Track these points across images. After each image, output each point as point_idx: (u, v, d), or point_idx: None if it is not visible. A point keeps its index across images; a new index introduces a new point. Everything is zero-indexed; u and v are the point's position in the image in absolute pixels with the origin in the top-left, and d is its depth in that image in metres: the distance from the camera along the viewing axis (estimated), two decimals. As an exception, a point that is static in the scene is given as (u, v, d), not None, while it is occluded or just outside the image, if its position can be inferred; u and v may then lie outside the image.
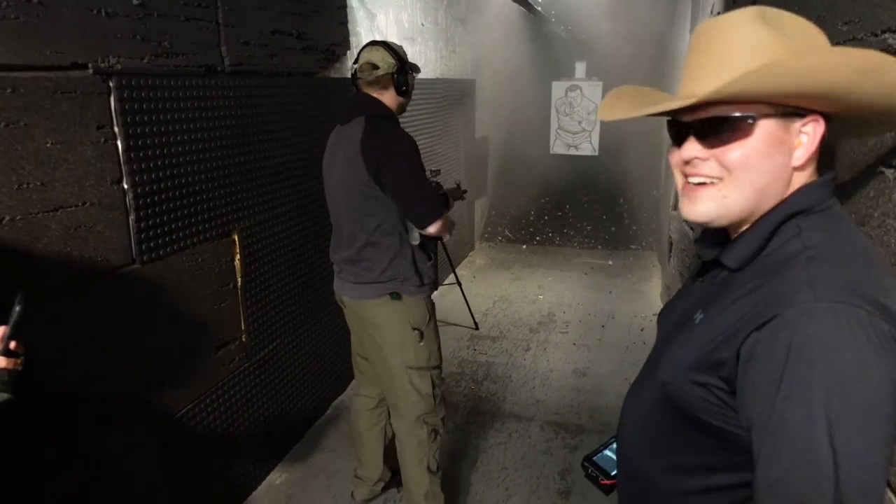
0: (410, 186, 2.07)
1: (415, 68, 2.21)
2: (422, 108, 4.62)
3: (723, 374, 0.81)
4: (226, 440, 2.48)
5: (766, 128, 0.82)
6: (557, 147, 7.40)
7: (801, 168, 0.85)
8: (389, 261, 2.14)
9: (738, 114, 0.82)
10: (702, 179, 0.87)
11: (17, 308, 1.10)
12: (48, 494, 1.70)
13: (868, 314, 0.72)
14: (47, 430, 1.67)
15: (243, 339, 2.54)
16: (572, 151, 7.38)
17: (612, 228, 6.97)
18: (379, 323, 2.21)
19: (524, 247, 7.00)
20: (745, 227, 0.89)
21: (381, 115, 2.14)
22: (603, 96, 6.52)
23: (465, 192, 2.77)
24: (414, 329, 2.21)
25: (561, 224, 7.16)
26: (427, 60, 4.74)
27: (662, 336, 1.04)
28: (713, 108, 0.83)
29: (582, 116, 7.25)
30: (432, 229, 2.09)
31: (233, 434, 2.51)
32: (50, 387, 1.66)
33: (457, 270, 4.72)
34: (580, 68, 7.11)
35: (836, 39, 1.27)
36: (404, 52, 2.20)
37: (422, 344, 2.22)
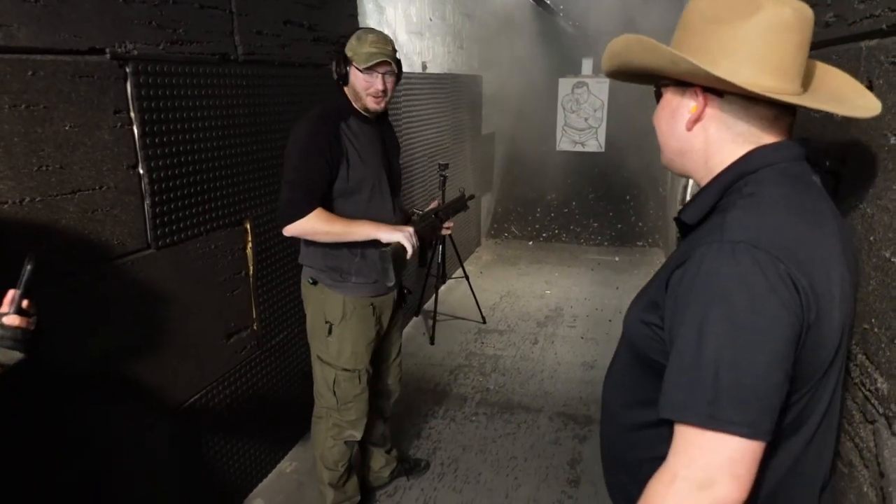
0: (285, 181, 1.99)
1: (349, 59, 2.00)
2: (429, 104, 4.63)
3: (658, 313, 0.91)
4: (237, 427, 2.49)
5: (667, 96, 0.99)
6: (564, 144, 7.40)
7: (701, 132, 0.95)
8: (305, 246, 2.14)
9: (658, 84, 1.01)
10: None
11: (28, 267, 1.13)
12: (60, 476, 1.71)
13: (769, 256, 0.79)
14: (60, 411, 1.69)
15: (255, 328, 2.55)
16: (578, 148, 7.38)
17: (619, 225, 6.97)
18: (305, 302, 2.23)
19: (530, 243, 7.01)
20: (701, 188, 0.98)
21: (325, 106, 2.06)
22: (609, 95, 6.53)
23: (470, 197, 2.61)
24: (326, 321, 2.15)
25: (567, 221, 7.16)
26: (435, 55, 4.75)
27: None
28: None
29: (588, 113, 7.24)
30: (285, 231, 1.98)
31: (244, 421, 2.53)
32: (63, 366, 1.68)
33: (463, 266, 4.73)
34: (587, 65, 7.11)
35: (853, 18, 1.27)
36: (355, 38, 2.00)
37: (329, 338, 2.15)
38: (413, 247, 2.01)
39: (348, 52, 2.01)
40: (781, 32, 0.86)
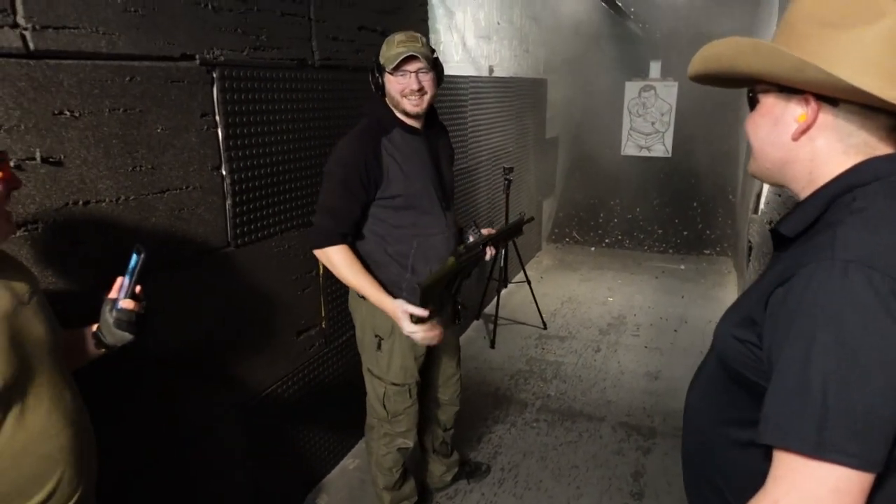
0: (319, 203, 1.97)
1: (380, 65, 1.94)
2: (495, 107, 4.63)
3: (756, 330, 0.86)
4: (304, 422, 2.56)
5: (767, 102, 0.94)
6: (629, 148, 7.27)
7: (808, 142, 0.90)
8: (367, 263, 2.04)
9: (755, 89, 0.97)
10: None
11: (142, 255, 1.22)
12: (141, 455, 1.80)
13: (882, 275, 0.75)
14: (142, 395, 1.78)
15: (323, 326, 2.61)
16: (644, 153, 7.23)
17: (685, 232, 6.78)
18: (354, 315, 2.20)
19: (592, 249, 6.90)
20: (803, 199, 0.94)
21: (368, 119, 2.00)
22: (678, 99, 6.35)
23: (530, 219, 2.49)
24: (375, 335, 2.12)
25: (631, 227, 7.02)
26: (502, 59, 4.75)
27: None
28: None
29: (655, 117, 7.09)
30: (315, 252, 1.98)
31: (310, 417, 2.59)
32: (152, 354, 1.77)
33: (525, 270, 4.70)
34: (655, 68, 6.97)
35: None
36: (385, 44, 1.95)
37: (380, 352, 2.13)
38: (415, 329, 1.91)
39: (381, 60, 1.94)
40: None
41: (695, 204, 6.87)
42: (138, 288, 1.26)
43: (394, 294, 2.00)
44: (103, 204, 1.59)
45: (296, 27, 2.24)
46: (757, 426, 0.87)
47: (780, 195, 3.49)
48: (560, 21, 6.17)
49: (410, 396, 2.20)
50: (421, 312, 1.87)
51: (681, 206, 6.90)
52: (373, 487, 2.45)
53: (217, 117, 1.93)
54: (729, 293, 5.28)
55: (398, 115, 1.99)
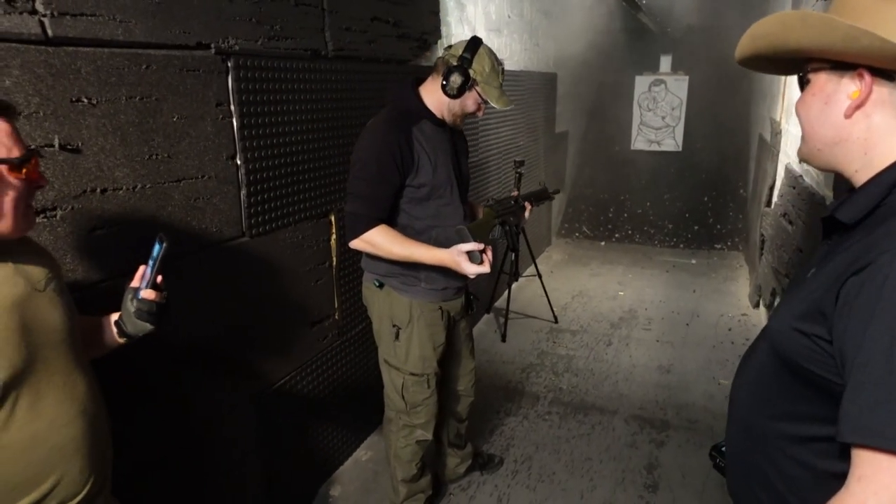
0: (351, 191, 1.94)
1: (473, 79, 1.94)
2: (505, 100, 4.61)
3: (825, 323, 0.83)
4: (317, 413, 2.56)
5: (819, 81, 0.91)
6: (639, 143, 7.23)
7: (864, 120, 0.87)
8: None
9: (807, 70, 0.94)
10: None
11: (164, 245, 1.20)
12: (155, 446, 1.81)
13: None
14: (157, 385, 1.79)
15: (336, 317, 2.61)
16: (654, 147, 7.19)
17: (696, 227, 6.74)
18: (369, 306, 2.21)
19: (602, 243, 6.88)
20: (863, 183, 0.90)
21: (397, 108, 1.99)
22: (688, 92, 6.29)
23: (556, 191, 2.62)
24: (393, 325, 2.12)
25: (641, 221, 6.99)
26: (512, 53, 4.73)
27: (784, 298, 1.06)
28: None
29: (666, 112, 7.05)
30: (350, 244, 1.95)
31: (323, 408, 2.60)
32: (165, 345, 1.77)
33: (536, 264, 4.69)
34: (665, 62, 6.92)
35: None
36: (489, 63, 1.97)
37: (398, 342, 2.13)
38: (483, 261, 1.93)
39: (476, 75, 1.94)
40: None
41: (705, 198, 6.83)
42: (159, 278, 1.24)
43: (412, 283, 2.07)
44: (120, 192, 1.59)
45: (309, 17, 2.24)
46: (822, 422, 0.85)
47: (794, 187, 3.46)
48: (570, 15, 6.14)
49: (429, 387, 2.20)
50: (477, 246, 1.91)
51: (691, 200, 6.86)
52: (389, 480, 2.45)
53: (232, 107, 1.93)
54: (741, 287, 5.24)
55: (429, 104, 2.02)
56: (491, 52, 2.00)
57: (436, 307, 2.14)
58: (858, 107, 0.86)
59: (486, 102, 2.01)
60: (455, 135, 2.16)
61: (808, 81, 0.93)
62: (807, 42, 0.87)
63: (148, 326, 1.24)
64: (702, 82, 6.74)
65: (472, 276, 1.96)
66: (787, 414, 0.93)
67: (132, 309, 1.22)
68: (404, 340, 2.13)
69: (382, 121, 1.97)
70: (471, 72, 1.94)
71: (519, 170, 4.32)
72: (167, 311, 1.26)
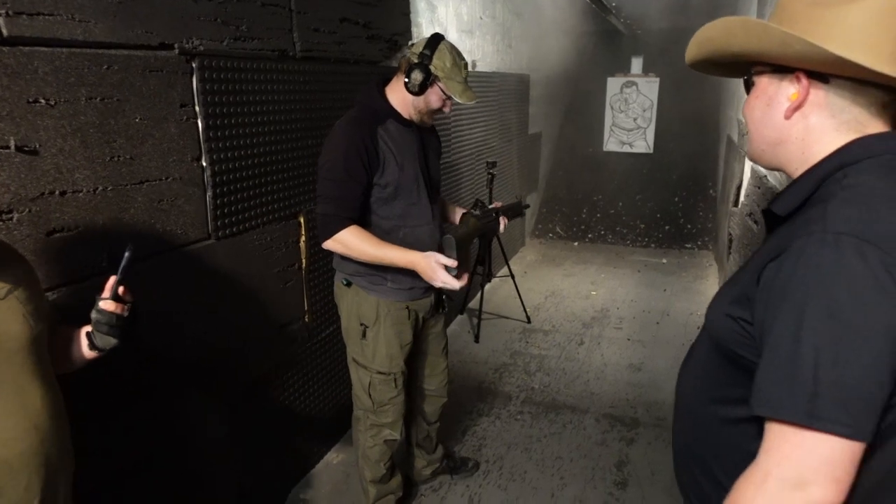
0: (321, 193, 1.95)
1: (434, 75, 1.94)
2: (478, 102, 4.61)
3: (749, 307, 0.87)
4: (288, 417, 2.55)
5: (761, 84, 0.96)
6: (611, 144, 7.32)
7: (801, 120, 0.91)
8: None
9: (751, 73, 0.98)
10: None
11: (127, 254, 1.16)
12: (123, 453, 1.78)
13: (875, 249, 0.75)
14: (128, 391, 1.76)
15: (306, 320, 2.60)
16: (626, 149, 7.29)
17: (667, 227, 6.84)
18: (339, 304, 2.22)
19: (576, 244, 6.94)
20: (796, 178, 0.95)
21: (362, 108, 2.00)
22: (659, 95, 6.41)
23: (526, 206, 2.68)
24: (361, 324, 2.13)
25: (613, 222, 7.07)
26: (484, 54, 4.75)
27: None
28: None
29: (637, 113, 7.15)
30: (323, 245, 1.96)
31: (294, 411, 2.58)
32: (130, 350, 1.74)
33: (509, 265, 4.71)
34: (636, 64, 7.01)
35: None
36: (450, 59, 1.96)
37: (365, 341, 2.14)
38: (448, 276, 1.94)
39: (437, 70, 1.94)
40: (893, 16, 0.82)
41: (676, 199, 6.94)
42: (121, 289, 1.19)
43: (379, 283, 2.08)
44: (80, 194, 1.56)
45: (277, 18, 2.22)
46: (745, 403, 0.87)
47: (759, 187, 3.53)
48: (543, 16, 6.18)
49: (396, 386, 2.20)
50: (453, 263, 1.93)
51: (662, 201, 6.96)
52: (359, 480, 2.44)
53: (197, 108, 1.90)
54: (710, 286, 5.33)
55: (395, 103, 2.02)
56: (453, 48, 2.00)
57: (402, 306, 2.14)
58: (797, 108, 0.90)
59: (450, 98, 2.01)
60: (425, 134, 2.15)
61: (752, 84, 0.97)
62: (748, 47, 0.91)
63: (112, 340, 1.19)
64: (672, 84, 6.85)
65: (437, 286, 1.98)
66: (723, 398, 0.96)
67: (92, 320, 1.18)
68: (371, 339, 2.14)
69: (347, 121, 1.98)
70: (432, 68, 1.95)
71: (491, 171, 4.35)
72: (132, 324, 1.21)
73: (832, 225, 0.79)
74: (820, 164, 0.89)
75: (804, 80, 0.88)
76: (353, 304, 2.13)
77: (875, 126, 0.88)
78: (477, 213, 2.16)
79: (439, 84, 1.97)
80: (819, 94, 0.89)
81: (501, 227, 2.28)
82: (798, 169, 0.93)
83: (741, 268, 0.99)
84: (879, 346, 0.74)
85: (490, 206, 2.24)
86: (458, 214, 2.33)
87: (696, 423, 1.03)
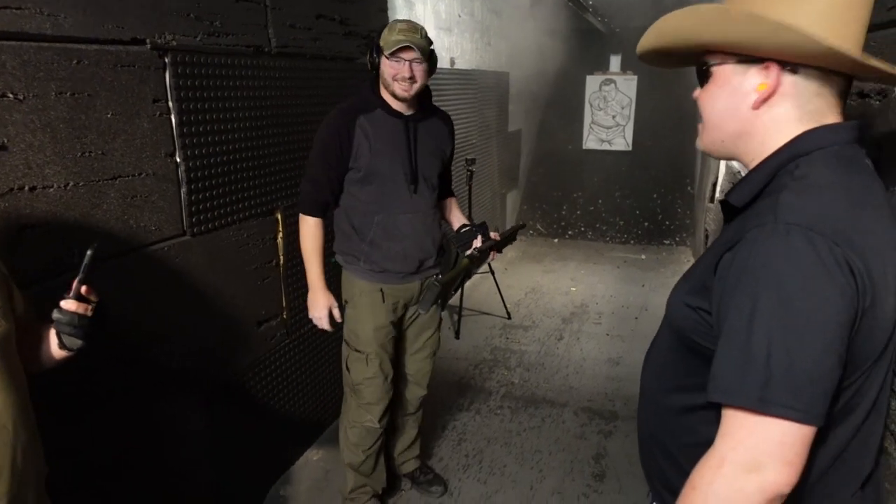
0: (305, 171, 2.17)
1: (380, 47, 2.02)
2: (457, 100, 4.65)
3: (707, 297, 0.89)
4: (267, 414, 2.54)
5: (720, 74, 0.94)
6: (590, 142, 7.37)
7: (767, 111, 0.91)
8: (334, 229, 2.24)
9: (703, 62, 0.96)
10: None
11: (89, 253, 1.12)
12: (100, 451, 1.77)
13: (824, 239, 0.77)
14: (100, 390, 1.75)
15: (284, 316, 2.59)
16: (605, 147, 7.34)
17: (645, 223, 6.91)
18: None
19: (556, 241, 6.99)
20: (750, 170, 0.95)
21: (351, 99, 2.14)
22: (637, 93, 6.46)
23: (522, 225, 2.81)
24: (344, 299, 2.28)
25: (593, 219, 7.13)
26: (463, 51, 4.77)
27: None
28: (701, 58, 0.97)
29: (616, 111, 7.20)
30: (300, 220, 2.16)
31: (273, 409, 2.57)
32: (105, 348, 1.73)
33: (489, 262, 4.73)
34: (615, 62, 7.07)
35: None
36: (391, 28, 2.01)
37: (346, 315, 2.28)
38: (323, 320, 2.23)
39: (381, 43, 2.03)
40: (854, 3, 0.83)
41: (655, 196, 7.01)
42: (84, 288, 1.15)
43: (354, 262, 2.19)
44: (51, 190, 1.55)
45: (251, 13, 2.21)
46: (703, 390, 0.89)
47: (733, 183, 3.59)
48: (521, 14, 6.21)
49: (368, 365, 2.23)
50: (336, 318, 2.25)
51: (641, 198, 7.03)
52: (339, 479, 2.44)
53: (170, 103, 1.89)
54: (688, 281, 5.40)
55: (386, 96, 2.09)
56: (396, 20, 2.05)
57: (376, 288, 2.19)
58: (765, 99, 0.89)
59: (394, 59, 1.98)
60: (424, 128, 2.18)
61: (710, 74, 0.96)
62: (723, 37, 0.88)
63: (77, 341, 1.16)
64: (650, 82, 6.91)
65: (311, 315, 2.26)
66: (681, 386, 0.98)
67: (54, 321, 1.14)
68: (349, 315, 2.26)
69: (333, 111, 2.12)
70: (381, 43, 2.02)
71: (470, 168, 4.37)
72: (98, 324, 1.17)
73: (783, 216, 0.80)
74: (773, 156, 0.90)
75: (775, 70, 0.87)
76: (343, 280, 2.26)
77: (831, 117, 0.89)
78: (476, 254, 2.13)
79: (385, 54, 2.01)
80: (787, 85, 0.88)
81: (490, 258, 2.31)
82: (754, 160, 0.94)
83: (699, 259, 1.00)
84: (829, 334, 0.76)
85: (489, 241, 2.20)
86: (456, 219, 2.38)
87: (657, 411, 1.05)
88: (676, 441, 1.00)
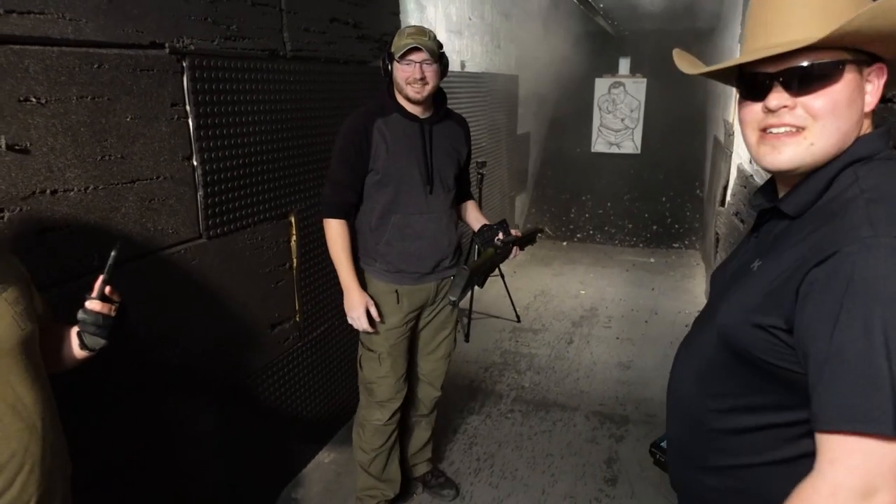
0: (327, 174, 2.18)
1: (391, 53, 2.06)
2: (467, 102, 4.65)
3: (783, 314, 0.84)
4: (279, 416, 2.54)
5: (850, 74, 0.86)
6: (599, 145, 7.36)
7: (867, 116, 0.89)
8: (357, 233, 2.25)
9: (828, 60, 0.85)
10: (787, 129, 0.89)
11: (113, 253, 1.15)
12: (115, 452, 1.78)
13: None
14: (117, 391, 1.75)
15: (297, 319, 2.60)
16: (614, 149, 7.33)
17: (654, 227, 6.89)
18: None
19: (564, 244, 6.98)
20: (800, 177, 0.92)
21: (369, 103, 2.16)
22: (646, 96, 6.42)
23: (541, 230, 2.75)
24: None
25: (602, 222, 7.12)
26: (473, 54, 4.78)
27: (717, 290, 1.07)
28: (800, 57, 0.85)
29: (625, 114, 7.19)
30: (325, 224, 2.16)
31: (285, 411, 2.58)
32: (121, 349, 1.74)
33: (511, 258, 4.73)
34: (624, 64, 7.06)
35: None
36: (400, 34, 2.04)
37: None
38: (361, 321, 2.17)
39: (392, 49, 2.06)
40: None
41: (663, 199, 6.99)
42: (108, 289, 1.18)
43: (371, 263, 2.21)
44: (72, 193, 1.56)
45: (267, 17, 2.23)
46: (772, 410, 0.89)
47: (745, 187, 3.57)
48: (531, 17, 6.22)
49: (380, 365, 2.25)
50: (375, 317, 2.19)
51: (650, 201, 7.02)
52: (351, 482, 2.44)
53: (188, 107, 1.90)
54: (698, 285, 5.38)
55: (401, 101, 2.11)
56: (408, 26, 2.09)
57: (391, 289, 2.20)
58: (876, 101, 0.88)
59: (404, 62, 2.01)
60: (440, 131, 2.20)
61: (841, 72, 0.86)
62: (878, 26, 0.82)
63: (100, 340, 1.18)
64: (659, 85, 6.90)
65: (348, 316, 2.20)
66: (740, 406, 0.94)
67: (78, 321, 1.17)
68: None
69: (351, 115, 2.14)
70: (391, 49, 2.06)
71: (481, 171, 4.37)
72: (120, 324, 1.20)
73: (883, 228, 0.78)
74: (832, 163, 0.88)
75: (885, 73, 0.86)
76: (366, 280, 2.27)
77: (868, 124, 0.89)
78: (499, 244, 2.17)
79: (395, 59, 2.04)
80: (880, 89, 0.87)
81: (512, 255, 2.29)
82: (810, 166, 0.90)
83: (749, 269, 0.95)
84: None
85: (511, 236, 2.22)
86: (476, 220, 2.38)
87: (703, 430, 1.00)
88: (729, 460, 0.97)
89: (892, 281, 0.74)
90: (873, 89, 0.88)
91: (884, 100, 1.40)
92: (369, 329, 2.19)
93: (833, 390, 0.77)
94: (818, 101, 0.86)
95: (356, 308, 2.16)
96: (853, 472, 0.75)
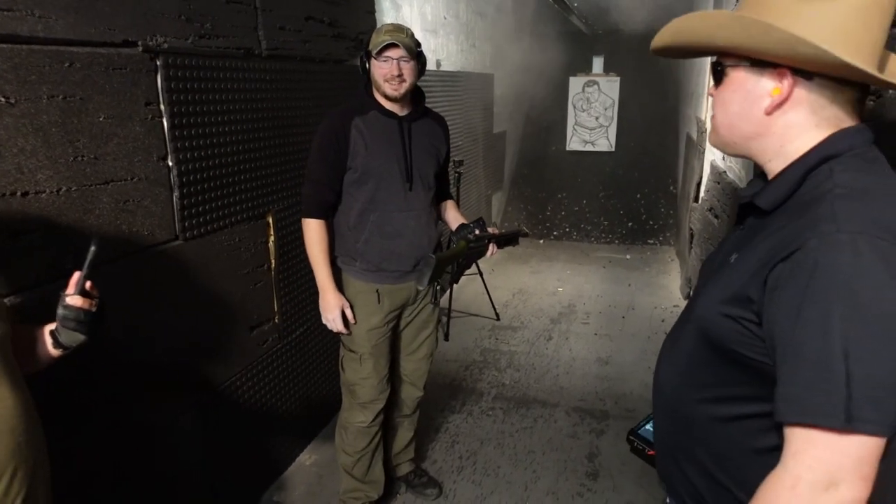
0: (305, 171, 2.17)
1: (368, 52, 2.05)
2: (443, 101, 4.65)
3: (752, 307, 0.86)
4: (259, 419, 2.52)
5: (736, 75, 0.94)
6: (574, 143, 7.42)
7: (781, 115, 0.91)
8: (335, 233, 2.23)
9: (716, 62, 0.97)
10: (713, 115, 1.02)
11: (92, 248, 1.14)
12: (94, 456, 1.74)
13: (889, 244, 0.76)
14: (94, 396, 1.72)
15: (276, 321, 2.58)
16: (589, 147, 7.39)
17: (630, 223, 6.97)
18: None
19: (541, 241, 7.02)
20: (778, 172, 0.94)
21: (349, 102, 2.16)
22: (620, 94, 6.48)
23: (526, 234, 2.70)
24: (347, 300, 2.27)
25: (578, 219, 7.17)
26: (448, 53, 4.78)
27: (701, 281, 1.09)
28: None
29: (599, 112, 7.26)
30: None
31: (266, 413, 2.55)
32: (99, 352, 1.70)
33: (488, 255, 4.74)
34: (598, 63, 7.13)
35: None
36: (377, 32, 2.03)
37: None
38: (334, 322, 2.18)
39: (370, 46, 2.05)
40: (873, 12, 0.83)
41: (638, 196, 7.08)
42: (88, 284, 1.17)
43: (350, 263, 2.19)
44: (43, 195, 1.52)
45: (242, 16, 2.20)
46: (750, 401, 0.90)
47: (718, 183, 3.63)
48: (505, 16, 6.24)
49: (361, 366, 2.24)
50: (350, 319, 2.19)
51: (625, 198, 7.10)
52: (333, 484, 2.42)
53: (162, 106, 1.87)
54: (673, 280, 5.46)
55: (379, 98, 2.10)
56: (385, 24, 2.09)
57: (372, 289, 2.18)
58: (779, 105, 0.89)
59: (381, 58, 2.00)
60: (419, 129, 2.19)
61: (724, 74, 0.95)
62: (737, 42, 0.89)
63: (80, 336, 1.17)
64: (632, 83, 6.98)
65: (323, 318, 2.21)
66: (718, 396, 0.96)
67: (58, 317, 1.16)
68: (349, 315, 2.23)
69: (329, 114, 2.13)
70: (370, 48, 2.05)
71: (458, 170, 4.37)
72: (99, 320, 1.19)
73: (845, 224, 0.79)
74: (802, 159, 0.89)
75: (790, 78, 0.87)
76: (343, 281, 2.25)
77: (849, 121, 0.90)
78: (471, 238, 2.15)
79: (373, 56, 2.03)
80: (802, 92, 0.88)
81: (489, 253, 2.26)
82: (772, 160, 0.94)
83: (727, 262, 0.97)
84: None
85: (486, 232, 2.21)
86: (454, 220, 2.36)
87: (684, 420, 1.02)
88: (710, 451, 0.98)
89: (851, 276, 0.76)
90: (779, 94, 0.89)
91: (875, 94, 1.43)
92: (344, 331, 2.19)
93: (791, 382, 0.79)
94: (715, 96, 0.98)
95: (332, 310, 2.16)
96: (814, 465, 0.77)
